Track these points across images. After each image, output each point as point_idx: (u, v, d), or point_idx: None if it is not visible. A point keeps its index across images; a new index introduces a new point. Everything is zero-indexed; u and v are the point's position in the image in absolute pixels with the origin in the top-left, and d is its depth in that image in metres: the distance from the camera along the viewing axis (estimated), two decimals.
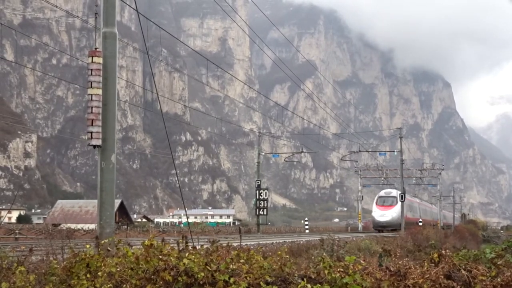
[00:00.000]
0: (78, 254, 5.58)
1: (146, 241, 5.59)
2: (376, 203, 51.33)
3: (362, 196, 62.10)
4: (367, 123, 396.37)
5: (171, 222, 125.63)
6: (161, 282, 5.25)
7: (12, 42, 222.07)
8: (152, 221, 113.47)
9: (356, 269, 5.15)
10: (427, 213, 68.79)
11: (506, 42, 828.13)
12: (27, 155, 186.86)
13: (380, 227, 49.25)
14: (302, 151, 60.08)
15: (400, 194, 50.38)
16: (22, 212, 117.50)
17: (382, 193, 53.53)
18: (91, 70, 9.34)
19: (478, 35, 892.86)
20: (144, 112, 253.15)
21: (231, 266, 5.30)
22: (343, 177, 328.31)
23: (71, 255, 5.63)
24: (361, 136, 77.62)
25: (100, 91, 9.32)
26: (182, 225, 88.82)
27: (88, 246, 6.11)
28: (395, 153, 52.62)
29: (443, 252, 5.68)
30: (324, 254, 7.38)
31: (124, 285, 5.32)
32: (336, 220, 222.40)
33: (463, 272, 5.26)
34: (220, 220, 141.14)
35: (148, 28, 14.17)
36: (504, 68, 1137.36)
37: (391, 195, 51.91)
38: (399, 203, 48.81)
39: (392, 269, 5.37)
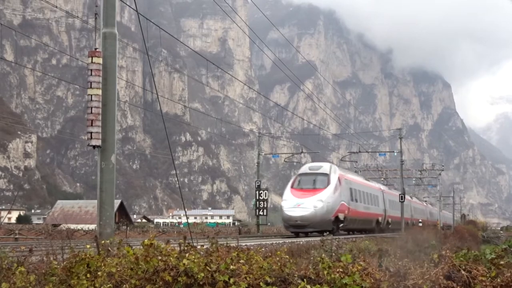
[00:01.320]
0: (78, 254, 5.59)
1: (146, 240, 5.61)
2: (292, 186, 30.04)
3: None
4: (367, 123, 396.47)
5: (170, 222, 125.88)
6: (161, 283, 5.26)
7: (12, 43, 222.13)
8: (152, 222, 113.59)
9: (356, 269, 5.16)
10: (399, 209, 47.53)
11: (506, 41, 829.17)
12: (27, 155, 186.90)
13: (293, 226, 28.20)
14: (302, 152, 59.96)
15: (333, 167, 32.31)
16: (22, 213, 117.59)
17: (304, 168, 32.08)
18: (91, 70, 9.35)
19: (478, 35, 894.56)
20: (144, 113, 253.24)
21: (231, 266, 5.31)
22: None
23: (71, 255, 5.64)
24: (361, 137, 77.78)
25: (100, 92, 9.33)
26: (182, 226, 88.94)
27: (88, 246, 6.12)
28: (395, 154, 52.06)
29: (443, 252, 5.69)
30: (323, 254, 7.39)
31: (124, 285, 5.33)
32: None
33: (463, 272, 5.27)
34: (220, 221, 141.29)
35: (148, 28, 14.18)
36: (503, 68, 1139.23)
37: (318, 171, 30.47)
38: (333, 184, 29.45)
39: (391, 269, 5.38)
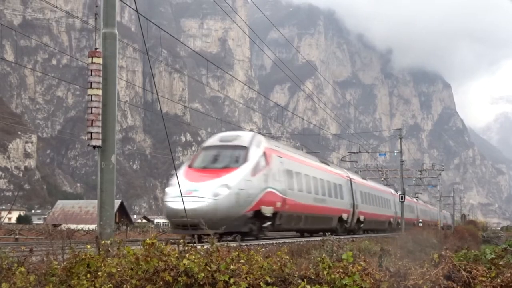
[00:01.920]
0: (78, 255, 5.60)
1: (147, 240, 5.62)
2: (190, 165, 19.67)
3: None
4: (367, 123, 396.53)
5: None
6: (161, 283, 5.27)
7: (12, 43, 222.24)
8: (152, 222, 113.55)
9: (356, 269, 5.16)
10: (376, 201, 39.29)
11: (505, 41, 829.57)
12: (27, 155, 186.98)
13: (180, 226, 16.86)
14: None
15: (257, 137, 21.17)
16: (22, 213, 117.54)
17: (212, 140, 21.77)
18: (91, 70, 9.35)
19: (477, 35, 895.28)
20: (144, 113, 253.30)
21: (231, 266, 5.32)
22: None
23: (71, 256, 5.64)
24: (361, 137, 77.67)
25: (100, 92, 9.33)
26: None
27: (88, 246, 6.13)
28: (395, 154, 51.99)
29: (443, 252, 5.69)
30: (323, 254, 7.39)
31: (124, 285, 5.34)
32: None
33: (463, 272, 5.27)
34: None
35: (148, 28, 14.17)
36: (503, 68, 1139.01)
37: (231, 143, 20.31)
38: (253, 162, 19.11)
39: (392, 269, 5.38)
